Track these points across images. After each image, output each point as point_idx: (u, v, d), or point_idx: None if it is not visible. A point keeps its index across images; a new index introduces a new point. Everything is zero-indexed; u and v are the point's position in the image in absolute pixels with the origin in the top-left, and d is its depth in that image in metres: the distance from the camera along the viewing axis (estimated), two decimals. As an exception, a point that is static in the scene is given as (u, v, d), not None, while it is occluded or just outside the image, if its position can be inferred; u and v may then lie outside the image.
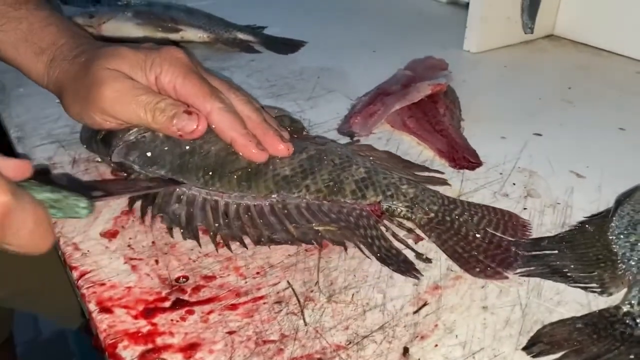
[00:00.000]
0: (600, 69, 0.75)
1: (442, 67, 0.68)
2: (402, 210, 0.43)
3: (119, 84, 0.43)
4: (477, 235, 0.41)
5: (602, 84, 0.71)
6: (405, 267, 0.39)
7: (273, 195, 0.43)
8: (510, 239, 0.42)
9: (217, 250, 0.40)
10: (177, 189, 0.43)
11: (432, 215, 0.43)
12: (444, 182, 0.48)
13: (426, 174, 0.49)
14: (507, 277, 0.38)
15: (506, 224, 0.43)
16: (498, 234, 0.42)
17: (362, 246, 0.40)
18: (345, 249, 0.40)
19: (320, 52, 0.78)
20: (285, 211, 0.42)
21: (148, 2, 0.78)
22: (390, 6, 1.03)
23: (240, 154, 0.44)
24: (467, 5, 0.98)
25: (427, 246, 0.41)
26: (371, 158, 0.49)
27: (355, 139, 0.56)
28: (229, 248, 0.40)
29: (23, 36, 0.48)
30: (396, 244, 0.41)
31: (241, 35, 0.77)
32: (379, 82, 0.66)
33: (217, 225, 0.41)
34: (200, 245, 0.40)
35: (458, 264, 0.39)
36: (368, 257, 0.40)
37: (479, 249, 0.40)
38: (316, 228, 0.41)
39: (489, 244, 0.41)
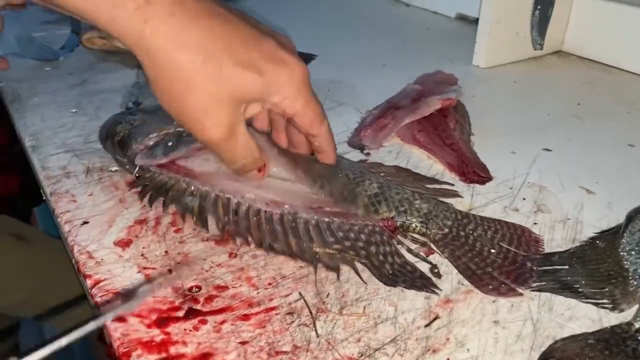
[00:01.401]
0: (609, 85, 0.76)
1: (451, 82, 0.69)
2: (416, 226, 0.43)
3: (226, 133, 0.40)
4: (492, 251, 0.41)
5: (611, 100, 0.71)
6: (421, 283, 0.38)
7: (285, 206, 0.43)
8: (524, 253, 0.41)
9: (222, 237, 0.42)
10: (192, 186, 0.45)
11: (447, 230, 0.43)
12: (455, 194, 0.49)
13: (437, 186, 0.50)
14: (521, 294, 0.38)
15: (519, 239, 0.43)
16: (512, 248, 0.42)
17: (364, 268, 0.40)
18: (338, 276, 0.39)
19: (330, 65, 0.79)
20: (293, 224, 0.42)
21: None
22: (399, 21, 1.04)
23: (320, 159, 0.47)
24: (475, 20, 0.99)
25: (438, 260, 0.41)
26: (382, 174, 0.49)
27: (365, 151, 0.56)
28: (235, 242, 0.42)
29: None
30: (410, 259, 0.41)
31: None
32: (389, 95, 0.67)
33: (226, 219, 0.42)
34: (208, 231, 0.42)
35: (470, 281, 0.39)
36: (364, 282, 0.39)
37: (493, 265, 0.40)
38: (315, 250, 0.40)
39: (504, 260, 0.41)
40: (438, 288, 0.38)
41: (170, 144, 0.47)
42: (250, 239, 0.41)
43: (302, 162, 0.47)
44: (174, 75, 0.38)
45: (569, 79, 0.78)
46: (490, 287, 0.38)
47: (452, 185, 0.50)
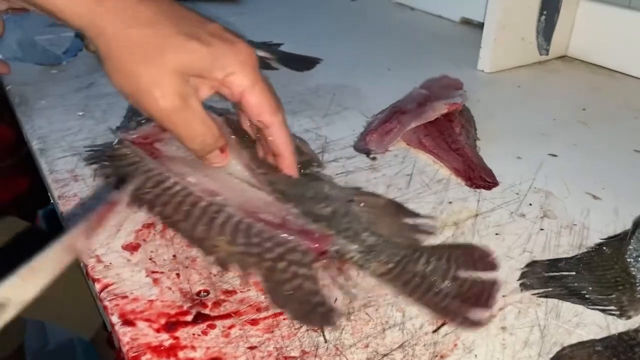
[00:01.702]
0: (615, 90, 0.76)
1: (457, 87, 0.69)
2: (354, 256, 0.39)
3: (177, 103, 0.40)
4: (445, 283, 0.38)
5: (616, 105, 0.71)
6: (315, 319, 0.35)
7: (219, 197, 0.43)
8: (479, 276, 0.39)
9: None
10: (150, 166, 0.44)
11: (392, 265, 0.39)
12: (430, 233, 0.44)
13: (417, 221, 0.46)
14: (492, 316, 0.37)
15: (471, 259, 0.41)
16: (468, 272, 0.39)
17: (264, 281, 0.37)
18: (247, 281, 0.38)
19: (335, 69, 0.79)
20: (215, 215, 0.41)
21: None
22: (404, 25, 1.04)
23: (280, 167, 0.46)
24: (479, 25, 0.99)
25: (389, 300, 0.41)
26: (362, 204, 0.45)
27: (371, 156, 0.57)
28: (139, 209, 0.43)
29: None
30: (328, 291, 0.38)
31: (258, 52, 0.77)
32: (394, 100, 0.67)
33: (147, 190, 0.42)
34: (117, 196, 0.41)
35: (434, 315, 0.36)
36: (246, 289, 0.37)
37: (450, 297, 0.37)
38: (217, 242, 0.39)
39: (460, 288, 0.38)
40: (325, 339, 0.34)
41: (142, 120, 0.47)
42: (159, 210, 0.41)
43: (261, 161, 0.46)
44: (126, 49, 0.39)
45: (574, 84, 0.78)
46: (458, 319, 0.36)
47: (433, 227, 0.45)
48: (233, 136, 0.47)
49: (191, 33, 0.40)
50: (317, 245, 0.39)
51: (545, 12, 0.74)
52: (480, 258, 0.41)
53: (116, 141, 0.47)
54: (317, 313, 0.36)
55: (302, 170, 0.49)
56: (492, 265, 0.41)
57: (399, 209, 0.47)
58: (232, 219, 0.40)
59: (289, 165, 0.45)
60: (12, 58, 0.69)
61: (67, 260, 0.31)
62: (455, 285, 0.38)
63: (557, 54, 0.86)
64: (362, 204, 0.45)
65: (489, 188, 0.51)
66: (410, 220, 0.45)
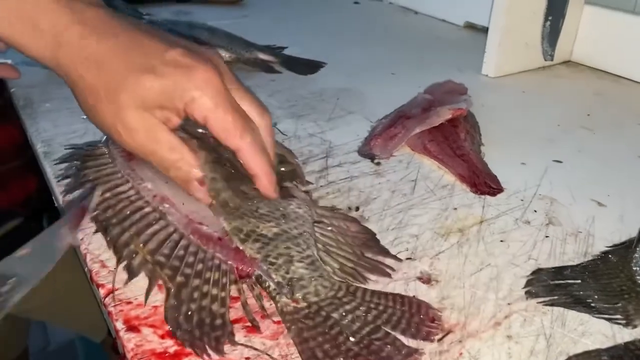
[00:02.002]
0: (620, 96, 0.76)
1: (461, 92, 0.69)
2: (269, 286, 0.37)
3: (142, 136, 0.40)
4: (351, 339, 0.34)
5: (621, 111, 0.71)
6: (204, 344, 0.33)
7: (165, 205, 0.42)
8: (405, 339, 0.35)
9: None
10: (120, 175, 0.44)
11: (303, 305, 0.36)
12: (386, 275, 0.40)
13: (379, 258, 0.42)
14: (497, 324, 0.36)
15: (411, 319, 0.36)
16: (392, 332, 0.35)
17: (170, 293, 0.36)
18: (149, 289, 0.37)
19: (339, 73, 0.79)
20: (153, 222, 0.40)
21: (171, 21, 0.80)
22: (407, 29, 1.04)
23: (257, 187, 0.43)
24: (483, 29, 1.00)
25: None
26: (329, 228, 0.43)
27: (375, 161, 0.57)
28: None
29: (15, 9, 0.40)
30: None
31: (262, 56, 0.78)
32: (398, 104, 0.67)
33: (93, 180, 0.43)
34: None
35: None
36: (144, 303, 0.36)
37: (346, 355, 0.33)
38: (136, 249, 0.38)
39: (363, 349, 0.33)
40: (219, 353, 0.33)
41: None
42: (97, 213, 0.41)
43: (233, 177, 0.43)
44: (86, 90, 0.41)
45: (579, 89, 0.78)
46: None
47: (393, 270, 0.41)
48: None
49: (144, 67, 0.40)
50: (242, 266, 0.38)
51: (550, 18, 0.73)
52: (421, 321, 0.36)
53: (103, 139, 0.47)
54: (209, 336, 0.34)
55: (283, 182, 0.47)
56: (427, 334, 0.35)
57: (368, 241, 0.43)
58: (166, 229, 0.40)
59: (264, 187, 0.43)
60: (20, 62, 0.69)
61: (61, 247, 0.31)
62: (361, 345, 0.34)
63: (562, 59, 0.86)
64: (329, 228, 0.43)
65: (493, 194, 0.51)
66: (372, 256, 0.42)
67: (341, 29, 1.03)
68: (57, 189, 0.49)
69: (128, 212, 0.40)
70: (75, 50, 0.40)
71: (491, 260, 0.43)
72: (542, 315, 0.38)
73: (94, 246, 0.42)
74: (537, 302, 0.39)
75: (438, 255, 0.43)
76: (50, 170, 0.51)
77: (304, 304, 0.36)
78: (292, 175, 0.50)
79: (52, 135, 0.58)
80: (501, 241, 0.45)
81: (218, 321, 0.35)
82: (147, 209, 0.41)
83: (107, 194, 0.42)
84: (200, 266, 0.37)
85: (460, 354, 0.34)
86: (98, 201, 0.42)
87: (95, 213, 0.41)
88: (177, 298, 0.35)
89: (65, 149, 0.51)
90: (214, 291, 0.36)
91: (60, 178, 0.46)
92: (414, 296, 0.38)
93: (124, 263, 0.38)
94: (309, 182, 0.51)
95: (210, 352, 0.33)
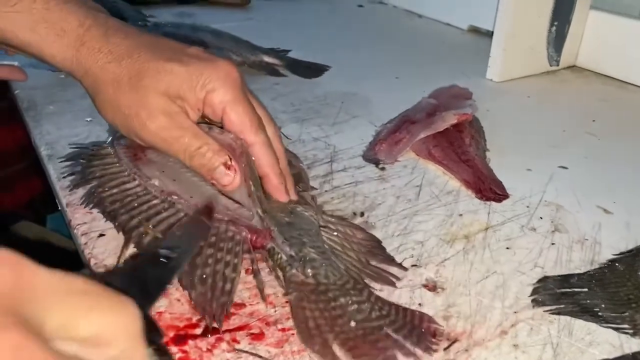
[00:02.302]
0: (625, 102, 0.75)
1: (466, 96, 0.68)
2: (281, 257, 0.38)
3: (165, 121, 0.41)
4: (352, 323, 0.34)
5: (626, 117, 0.71)
6: (214, 309, 0.34)
7: (181, 200, 0.42)
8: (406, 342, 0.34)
9: None
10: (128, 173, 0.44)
11: (310, 280, 0.36)
12: (391, 284, 0.39)
13: (384, 266, 0.41)
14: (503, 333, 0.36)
15: (412, 330, 0.35)
16: (395, 334, 0.34)
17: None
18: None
19: (343, 77, 0.79)
20: (162, 210, 0.40)
21: (175, 23, 0.80)
22: (411, 33, 1.04)
23: (267, 190, 0.44)
24: (488, 33, 0.99)
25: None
26: (335, 234, 0.43)
27: (380, 166, 0.56)
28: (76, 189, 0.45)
29: (40, 16, 0.43)
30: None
31: (267, 59, 0.78)
32: (403, 109, 0.66)
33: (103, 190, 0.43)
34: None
35: (299, 336, 0.34)
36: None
37: (339, 334, 0.33)
38: (146, 229, 0.38)
39: (359, 335, 0.33)
40: (219, 324, 0.34)
41: None
42: (104, 206, 0.41)
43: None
44: (109, 82, 0.42)
45: (584, 94, 0.78)
46: (317, 347, 0.33)
47: (398, 279, 0.40)
48: None
49: (169, 56, 0.42)
50: (255, 237, 0.39)
51: (556, 23, 0.73)
52: (422, 334, 0.35)
53: (109, 140, 0.48)
54: (218, 301, 0.34)
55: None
56: (426, 348, 0.34)
57: (374, 249, 0.43)
58: (176, 215, 0.40)
59: (275, 187, 0.43)
60: (26, 65, 0.69)
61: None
62: (359, 332, 0.33)
63: (566, 64, 0.86)
64: (335, 233, 0.43)
65: (499, 200, 0.51)
66: (377, 264, 0.41)
67: (345, 33, 1.03)
68: (61, 191, 0.48)
69: (136, 204, 0.41)
70: (100, 45, 0.43)
71: (497, 268, 0.42)
72: (549, 324, 0.37)
73: (99, 250, 0.41)
74: (544, 311, 0.38)
75: (444, 262, 0.43)
76: (54, 173, 0.51)
77: (312, 281, 0.36)
78: (297, 178, 0.50)
79: (56, 137, 0.58)
80: (507, 248, 0.45)
81: (227, 286, 0.35)
82: (155, 201, 0.41)
83: (115, 190, 0.42)
84: (213, 238, 0.38)
85: (467, 363, 0.34)
86: (105, 196, 0.42)
87: (103, 206, 0.41)
88: (191, 264, 0.36)
89: (71, 147, 0.50)
90: (227, 257, 0.37)
91: (66, 174, 0.46)
92: (419, 304, 0.38)
93: (134, 243, 0.38)
94: (313, 187, 0.51)
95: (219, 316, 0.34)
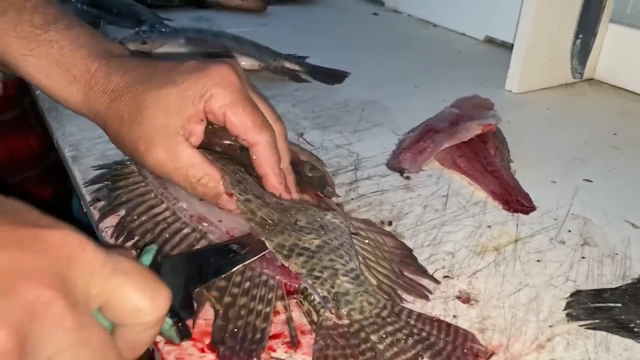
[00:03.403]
0: (644, 116, 0.75)
1: (488, 107, 0.68)
2: (313, 300, 0.36)
3: (163, 153, 0.41)
4: None
5: (647, 131, 0.71)
6: (241, 351, 0.33)
7: (204, 223, 0.41)
8: None
9: None
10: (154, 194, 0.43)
11: (345, 322, 0.35)
12: (424, 297, 0.39)
13: (416, 277, 0.41)
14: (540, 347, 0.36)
15: (453, 352, 0.34)
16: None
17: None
18: (197, 312, 0.35)
19: (362, 84, 0.79)
20: (194, 243, 0.39)
21: (196, 29, 0.80)
22: (427, 41, 1.04)
23: (265, 188, 0.44)
24: (503, 44, 1.00)
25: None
26: (367, 241, 0.42)
27: (405, 175, 0.56)
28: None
29: (55, 61, 0.46)
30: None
31: (288, 64, 0.78)
32: (423, 117, 0.66)
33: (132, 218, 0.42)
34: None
35: None
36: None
37: None
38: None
39: None
40: None
41: None
42: (137, 239, 0.40)
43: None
44: (115, 119, 0.43)
45: (603, 107, 0.78)
46: None
47: (431, 293, 0.40)
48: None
49: (163, 82, 0.42)
50: (290, 281, 0.37)
51: (581, 36, 0.73)
52: (464, 355, 0.34)
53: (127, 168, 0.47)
54: (245, 350, 0.33)
55: (313, 188, 0.48)
56: None
57: (406, 258, 0.42)
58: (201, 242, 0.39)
59: (273, 186, 0.43)
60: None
61: None
62: None
63: (584, 77, 0.86)
64: (366, 241, 0.42)
65: (526, 213, 0.51)
66: (411, 275, 0.41)
67: (361, 40, 1.03)
68: (87, 196, 0.48)
69: (167, 236, 0.40)
70: (103, 87, 0.44)
71: (529, 281, 0.42)
72: (586, 339, 0.37)
73: (128, 254, 0.41)
74: (579, 325, 0.38)
75: (475, 274, 0.42)
76: (79, 174, 0.51)
77: (346, 321, 0.35)
78: (322, 181, 0.50)
79: (79, 139, 0.57)
80: (537, 261, 0.44)
81: (257, 335, 0.34)
82: (186, 230, 0.40)
83: (144, 217, 0.41)
84: (247, 284, 0.36)
85: (506, 377, 0.34)
86: (136, 225, 0.41)
87: (135, 239, 0.40)
88: (225, 318, 0.34)
89: (94, 169, 0.50)
90: (259, 307, 0.35)
91: (93, 201, 0.45)
92: (454, 316, 0.38)
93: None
94: (337, 195, 0.51)
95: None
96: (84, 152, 0.55)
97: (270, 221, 0.40)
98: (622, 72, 0.83)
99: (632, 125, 0.72)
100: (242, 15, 1.11)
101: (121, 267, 0.25)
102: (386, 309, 0.36)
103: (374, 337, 0.34)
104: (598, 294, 0.41)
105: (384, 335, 0.34)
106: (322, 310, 0.35)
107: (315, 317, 0.36)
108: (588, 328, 0.38)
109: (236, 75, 0.42)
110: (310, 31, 1.05)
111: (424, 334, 0.35)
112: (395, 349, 0.34)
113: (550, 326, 0.38)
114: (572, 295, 0.41)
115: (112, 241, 0.41)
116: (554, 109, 0.76)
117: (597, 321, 0.39)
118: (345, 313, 0.35)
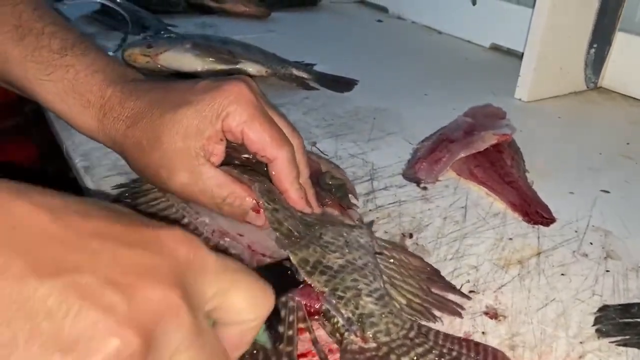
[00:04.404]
0: (655, 125, 0.75)
1: (500, 116, 0.68)
2: (336, 322, 0.35)
3: (186, 177, 0.40)
4: None
5: (660, 141, 0.70)
6: None
7: (227, 238, 0.40)
8: None
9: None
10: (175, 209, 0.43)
11: (372, 346, 0.33)
12: (457, 314, 0.38)
13: (446, 295, 0.40)
14: None
15: None
16: None
17: None
18: None
19: (371, 92, 0.78)
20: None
21: (204, 35, 0.79)
22: (433, 49, 1.04)
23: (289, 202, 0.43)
24: (509, 51, 0.99)
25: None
26: (391, 260, 0.41)
27: (422, 185, 0.55)
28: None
29: (70, 86, 0.46)
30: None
31: (296, 72, 0.77)
32: (436, 126, 0.66)
33: None
34: None
35: None
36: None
37: None
38: None
39: None
40: None
41: None
42: None
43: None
44: (132, 146, 0.43)
45: (613, 116, 0.77)
46: None
47: (463, 309, 0.39)
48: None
49: (178, 103, 0.41)
50: (311, 303, 0.36)
51: (595, 45, 0.73)
52: None
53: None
54: None
55: (337, 195, 0.47)
56: None
57: (433, 276, 0.41)
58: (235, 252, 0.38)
59: (293, 201, 0.43)
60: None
61: None
62: None
63: (590, 88, 0.85)
64: (391, 260, 0.41)
65: (547, 224, 0.50)
66: (439, 292, 0.40)
67: (366, 47, 1.02)
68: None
69: None
70: (118, 114, 0.44)
71: (555, 295, 0.41)
72: (617, 357, 0.36)
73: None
74: (610, 342, 0.37)
75: (501, 289, 0.42)
76: (92, 184, 0.50)
77: (372, 345, 0.34)
78: (342, 189, 0.49)
79: (89, 149, 0.56)
80: (562, 275, 0.44)
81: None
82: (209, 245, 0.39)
83: None
84: None
85: (540, 397, 0.33)
86: None
87: None
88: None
89: (113, 189, 0.48)
90: (281, 329, 0.34)
91: None
92: (482, 332, 0.37)
93: None
94: (357, 204, 0.50)
95: None
96: (95, 162, 0.54)
97: (296, 233, 0.39)
98: (631, 81, 0.83)
99: (644, 135, 0.72)
100: (246, 21, 1.10)
101: (231, 268, 0.24)
102: (413, 329, 0.35)
103: (412, 355, 0.33)
104: (626, 309, 0.41)
105: (415, 358, 0.33)
106: (346, 333, 0.34)
107: (339, 337, 0.35)
108: (619, 345, 0.37)
109: (251, 92, 0.42)
110: (315, 38, 1.05)
111: (454, 354, 0.34)
112: None
113: (580, 342, 0.37)
114: (599, 310, 0.40)
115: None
116: (565, 118, 0.76)
117: (627, 337, 0.38)
118: (371, 335, 0.34)
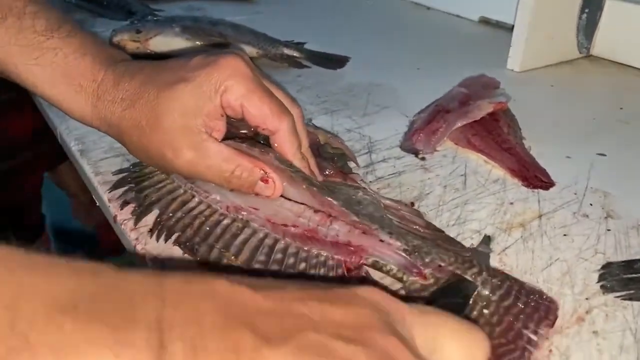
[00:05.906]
0: (647, 89, 0.76)
1: (495, 85, 0.68)
2: (389, 269, 0.36)
3: (191, 154, 0.40)
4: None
5: (653, 104, 0.71)
6: None
7: (243, 212, 0.40)
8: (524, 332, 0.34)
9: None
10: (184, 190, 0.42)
11: (432, 281, 0.35)
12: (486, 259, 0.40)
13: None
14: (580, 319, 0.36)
15: (530, 307, 0.35)
16: (515, 323, 0.34)
17: None
18: None
19: (364, 68, 0.78)
20: (238, 232, 0.38)
21: (193, 17, 0.78)
22: (422, 24, 1.03)
23: None
24: (498, 24, 0.99)
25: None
26: (416, 227, 0.42)
27: (420, 156, 0.55)
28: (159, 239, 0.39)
29: (60, 71, 0.44)
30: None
31: (287, 51, 0.77)
32: (430, 99, 0.66)
33: (169, 214, 0.40)
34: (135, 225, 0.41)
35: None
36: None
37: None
38: (231, 262, 0.36)
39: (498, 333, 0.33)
40: None
41: None
42: (177, 236, 0.38)
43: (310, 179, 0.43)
44: (131, 129, 0.42)
45: (606, 83, 0.78)
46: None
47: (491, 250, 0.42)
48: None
49: (173, 81, 0.40)
50: (350, 258, 0.36)
51: (587, 10, 0.73)
52: (542, 310, 0.35)
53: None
54: None
55: (338, 164, 0.48)
56: (547, 320, 0.35)
57: (437, 233, 0.42)
58: (256, 235, 0.38)
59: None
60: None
61: None
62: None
63: (582, 54, 0.86)
64: (396, 218, 0.42)
65: (546, 188, 0.50)
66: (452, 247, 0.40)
67: (355, 24, 1.01)
68: (100, 187, 0.47)
69: (208, 228, 0.38)
70: (112, 96, 0.43)
71: (559, 255, 0.42)
72: (624, 310, 0.37)
73: (151, 246, 0.40)
74: (615, 297, 0.38)
75: (505, 251, 0.42)
76: (89, 168, 0.49)
77: (431, 280, 0.35)
78: (343, 157, 0.50)
79: (83, 133, 0.55)
80: (564, 235, 0.44)
81: None
82: (226, 221, 0.39)
83: (179, 213, 0.40)
84: (303, 265, 0.35)
85: (550, 351, 0.33)
86: (174, 221, 0.39)
87: (176, 235, 0.39)
88: None
89: (114, 174, 0.48)
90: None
91: (121, 205, 0.43)
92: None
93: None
94: (358, 168, 0.51)
95: None
96: (90, 145, 0.53)
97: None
98: (622, 48, 0.83)
99: (637, 99, 0.72)
100: (233, 4, 1.08)
101: (432, 320, 0.24)
102: (460, 257, 0.37)
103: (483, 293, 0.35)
104: (629, 265, 0.41)
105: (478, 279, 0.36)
106: (404, 275, 0.35)
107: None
108: (624, 299, 0.38)
109: (247, 65, 0.41)
110: (303, 17, 1.04)
111: (503, 290, 0.36)
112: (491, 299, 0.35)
113: (586, 299, 0.38)
114: (603, 267, 0.41)
115: (153, 240, 0.40)
116: (557, 86, 0.76)
117: (632, 292, 0.38)
118: (429, 261, 0.36)
